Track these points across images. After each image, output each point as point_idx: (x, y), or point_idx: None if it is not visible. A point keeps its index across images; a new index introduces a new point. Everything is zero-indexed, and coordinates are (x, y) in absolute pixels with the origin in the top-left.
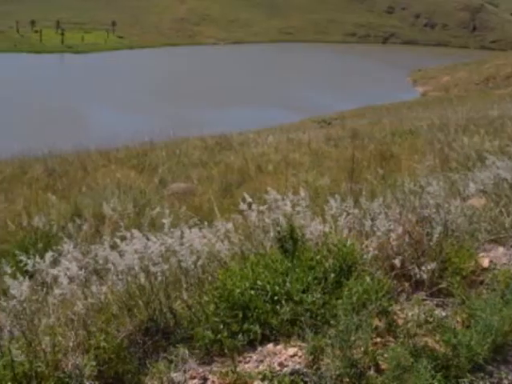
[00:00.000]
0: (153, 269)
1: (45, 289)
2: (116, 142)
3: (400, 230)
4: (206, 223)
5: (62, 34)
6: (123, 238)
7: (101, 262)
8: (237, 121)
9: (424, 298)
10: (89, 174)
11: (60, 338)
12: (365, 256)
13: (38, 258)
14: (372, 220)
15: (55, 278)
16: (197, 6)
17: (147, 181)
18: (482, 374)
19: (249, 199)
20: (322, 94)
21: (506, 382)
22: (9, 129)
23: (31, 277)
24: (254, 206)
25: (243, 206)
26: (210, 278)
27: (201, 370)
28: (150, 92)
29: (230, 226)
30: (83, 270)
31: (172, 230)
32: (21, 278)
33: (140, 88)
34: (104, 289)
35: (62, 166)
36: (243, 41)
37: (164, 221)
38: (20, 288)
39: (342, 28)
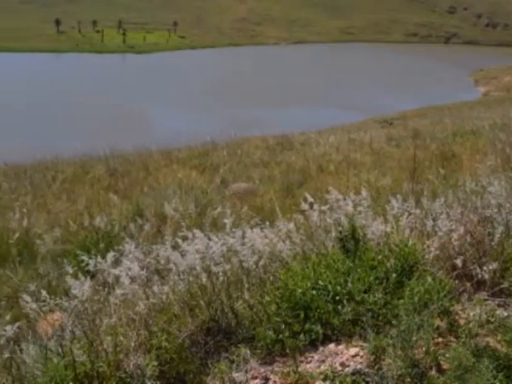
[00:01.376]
0: (214, 269)
1: (106, 289)
2: (177, 142)
3: (461, 230)
4: (267, 223)
5: (124, 34)
6: (185, 238)
7: (162, 262)
8: (298, 121)
9: (486, 298)
10: (150, 174)
11: (121, 338)
12: (426, 256)
13: (99, 258)
14: (433, 220)
15: (117, 278)
16: (257, 5)
17: (209, 181)
18: None
19: (310, 199)
20: (384, 94)
21: None
22: (71, 129)
23: (93, 277)
24: (315, 206)
25: (305, 206)
26: (271, 278)
27: (262, 369)
28: (211, 92)
29: (291, 226)
30: (145, 270)
31: (234, 230)
32: (82, 278)
33: (201, 88)
34: (166, 289)
35: (124, 166)
36: (304, 41)
37: (225, 221)
38: (81, 288)
39: (404, 28)
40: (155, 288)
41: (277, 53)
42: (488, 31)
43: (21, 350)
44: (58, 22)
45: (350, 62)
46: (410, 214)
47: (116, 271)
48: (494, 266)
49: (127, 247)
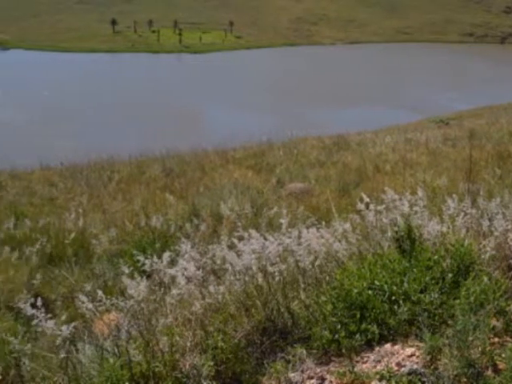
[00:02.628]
0: (270, 269)
1: (162, 289)
2: (233, 142)
3: None
4: (323, 223)
5: (180, 34)
6: (241, 238)
7: (218, 262)
8: (354, 121)
9: None
10: (206, 174)
11: (178, 338)
12: (482, 256)
13: (155, 258)
14: (489, 220)
15: (173, 278)
16: (314, 5)
17: (264, 180)
18: None
19: (366, 199)
20: (440, 94)
21: None
22: (127, 129)
23: (149, 277)
24: (371, 206)
25: (361, 206)
26: (327, 277)
27: (318, 369)
28: (267, 91)
29: (347, 226)
30: (201, 270)
31: (289, 230)
32: (138, 278)
33: (257, 88)
34: (221, 289)
35: (180, 166)
36: (360, 41)
37: (282, 221)
38: (137, 288)
39: (459, 28)
40: (211, 288)
41: (333, 53)
42: None
43: (77, 350)
44: (114, 22)
45: (405, 61)
46: (465, 214)
47: (172, 271)
48: None
49: (183, 247)
